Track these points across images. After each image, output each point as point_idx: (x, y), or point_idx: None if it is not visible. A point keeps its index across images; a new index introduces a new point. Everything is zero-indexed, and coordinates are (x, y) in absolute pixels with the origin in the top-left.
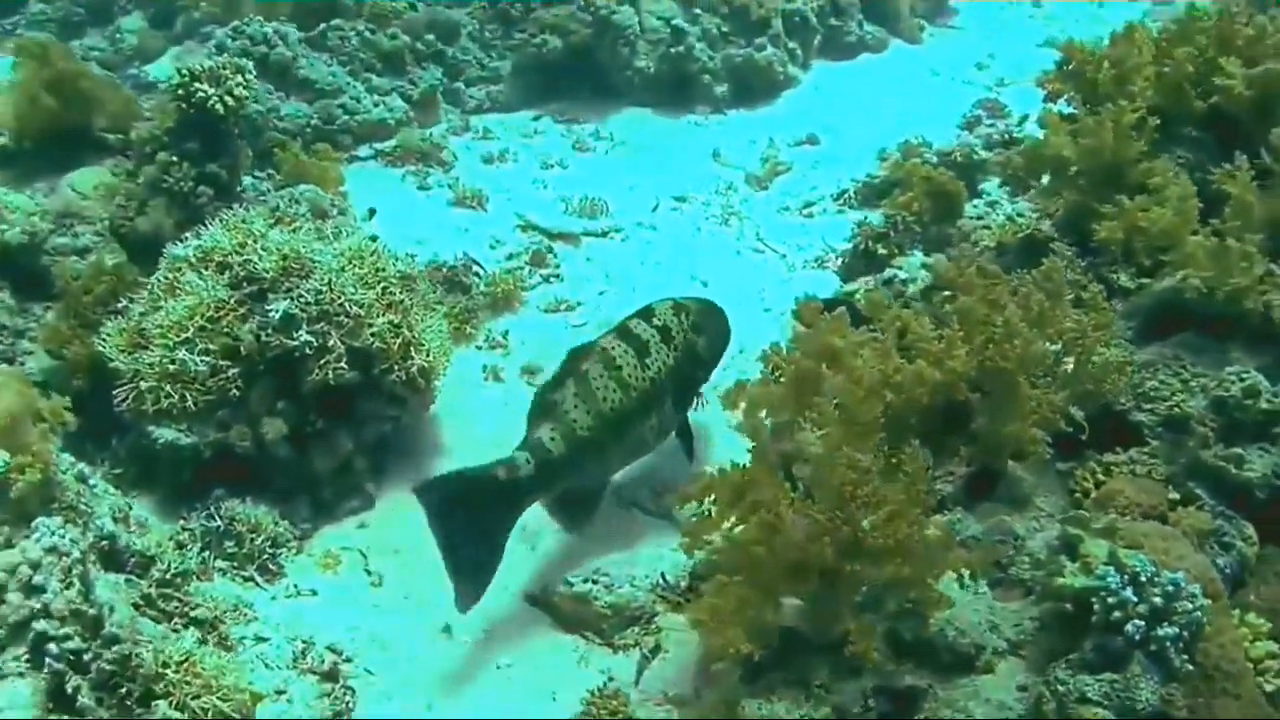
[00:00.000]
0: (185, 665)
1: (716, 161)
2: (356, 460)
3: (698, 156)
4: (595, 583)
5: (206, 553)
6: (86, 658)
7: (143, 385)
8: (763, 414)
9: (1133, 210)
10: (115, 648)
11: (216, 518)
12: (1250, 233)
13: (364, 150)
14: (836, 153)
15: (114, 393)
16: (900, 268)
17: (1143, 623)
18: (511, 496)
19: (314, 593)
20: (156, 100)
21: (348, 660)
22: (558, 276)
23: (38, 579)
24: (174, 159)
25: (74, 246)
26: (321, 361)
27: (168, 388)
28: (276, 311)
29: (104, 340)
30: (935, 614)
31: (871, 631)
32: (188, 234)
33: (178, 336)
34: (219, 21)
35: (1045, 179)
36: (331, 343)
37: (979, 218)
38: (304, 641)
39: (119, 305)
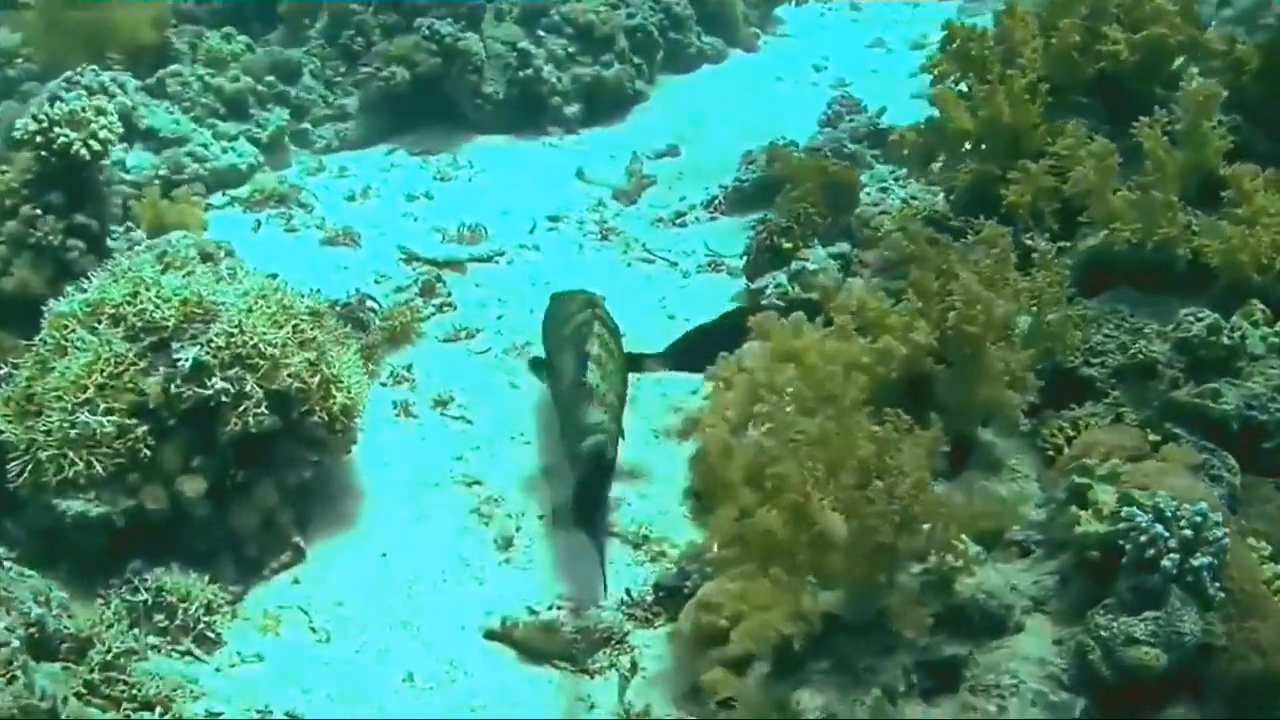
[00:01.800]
0: None
1: (582, 180)
2: (281, 512)
3: (561, 176)
4: (560, 608)
5: (135, 629)
6: None
7: (41, 455)
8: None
9: (1037, 174)
10: None
11: (141, 590)
12: (1168, 184)
13: (217, 198)
14: (698, 162)
15: (7, 467)
16: (806, 260)
17: (1177, 556)
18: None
19: (259, 658)
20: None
21: None
22: (451, 305)
23: None
24: (37, 212)
25: None
26: (240, 409)
27: (71, 454)
28: (185, 360)
29: None
30: (963, 579)
31: (917, 603)
32: (69, 289)
33: (76, 398)
34: (40, 77)
35: (941, 158)
36: (249, 387)
37: (874, 204)
38: (260, 712)
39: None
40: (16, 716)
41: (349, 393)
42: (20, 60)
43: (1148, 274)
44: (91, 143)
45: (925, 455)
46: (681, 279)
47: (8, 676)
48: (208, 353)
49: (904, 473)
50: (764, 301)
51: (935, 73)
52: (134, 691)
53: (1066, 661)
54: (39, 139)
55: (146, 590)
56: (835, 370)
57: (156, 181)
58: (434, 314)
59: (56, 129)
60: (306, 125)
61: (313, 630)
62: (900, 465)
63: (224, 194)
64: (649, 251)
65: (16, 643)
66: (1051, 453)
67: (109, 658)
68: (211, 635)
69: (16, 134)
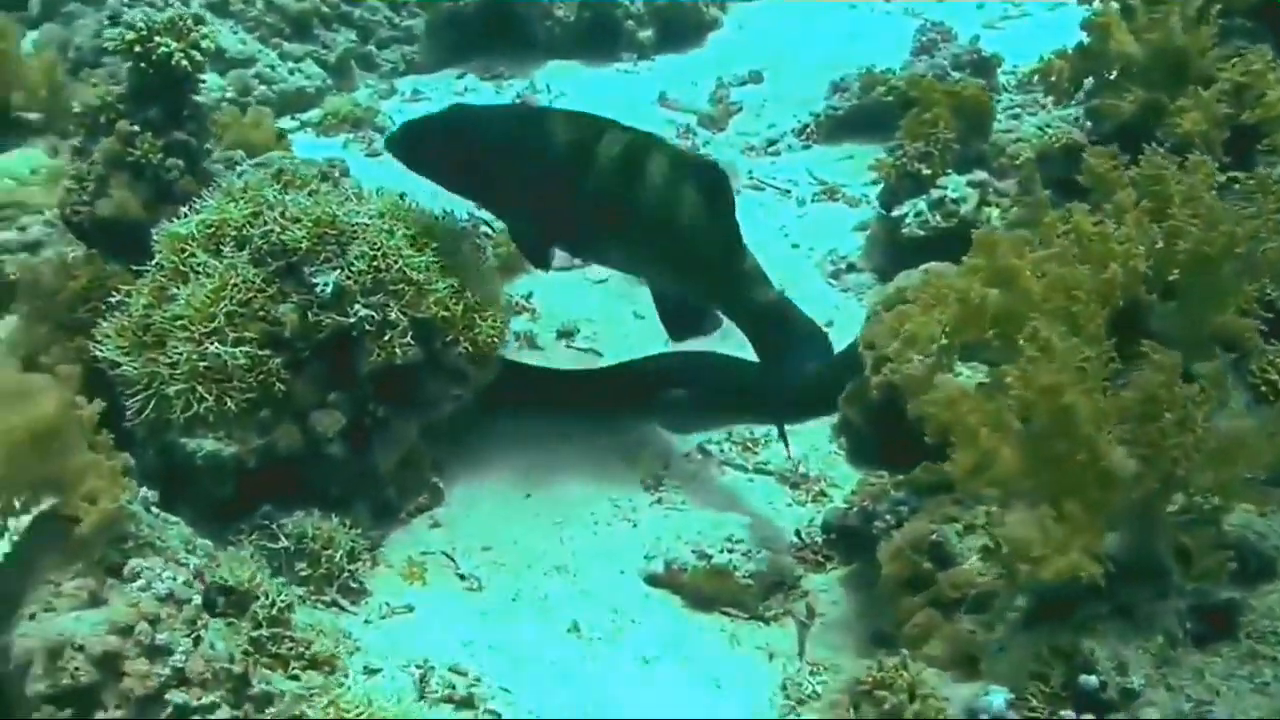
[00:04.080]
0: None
1: (664, 105)
2: (420, 451)
3: (642, 102)
4: (732, 551)
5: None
6: None
7: (170, 390)
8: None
9: (1210, 100)
10: (269, 710)
11: (281, 537)
12: None
13: (285, 122)
14: (782, 89)
15: (126, 402)
16: (945, 188)
17: None
18: None
19: (410, 609)
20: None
21: (478, 680)
22: None
23: (161, 637)
24: (135, 128)
25: (22, 241)
26: (384, 339)
27: (200, 389)
28: (325, 285)
29: (101, 343)
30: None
31: (1216, 545)
32: (184, 210)
33: (204, 327)
34: None
35: (1088, 83)
36: (393, 315)
37: (1007, 131)
38: (420, 667)
39: (108, 301)
40: (209, 681)
41: (493, 322)
42: None
43: None
44: (193, 53)
45: (1204, 390)
46: (797, 207)
47: (193, 637)
48: (348, 277)
49: (1196, 403)
50: (904, 231)
51: None
52: (301, 649)
53: None
54: (137, 49)
55: (287, 536)
56: (1081, 295)
57: (225, 103)
58: None
59: (157, 38)
60: (371, 48)
61: (461, 578)
62: (1190, 395)
63: (292, 118)
64: (757, 178)
65: (198, 599)
66: (1264, 388)
67: (274, 612)
68: (356, 585)
69: (110, 43)
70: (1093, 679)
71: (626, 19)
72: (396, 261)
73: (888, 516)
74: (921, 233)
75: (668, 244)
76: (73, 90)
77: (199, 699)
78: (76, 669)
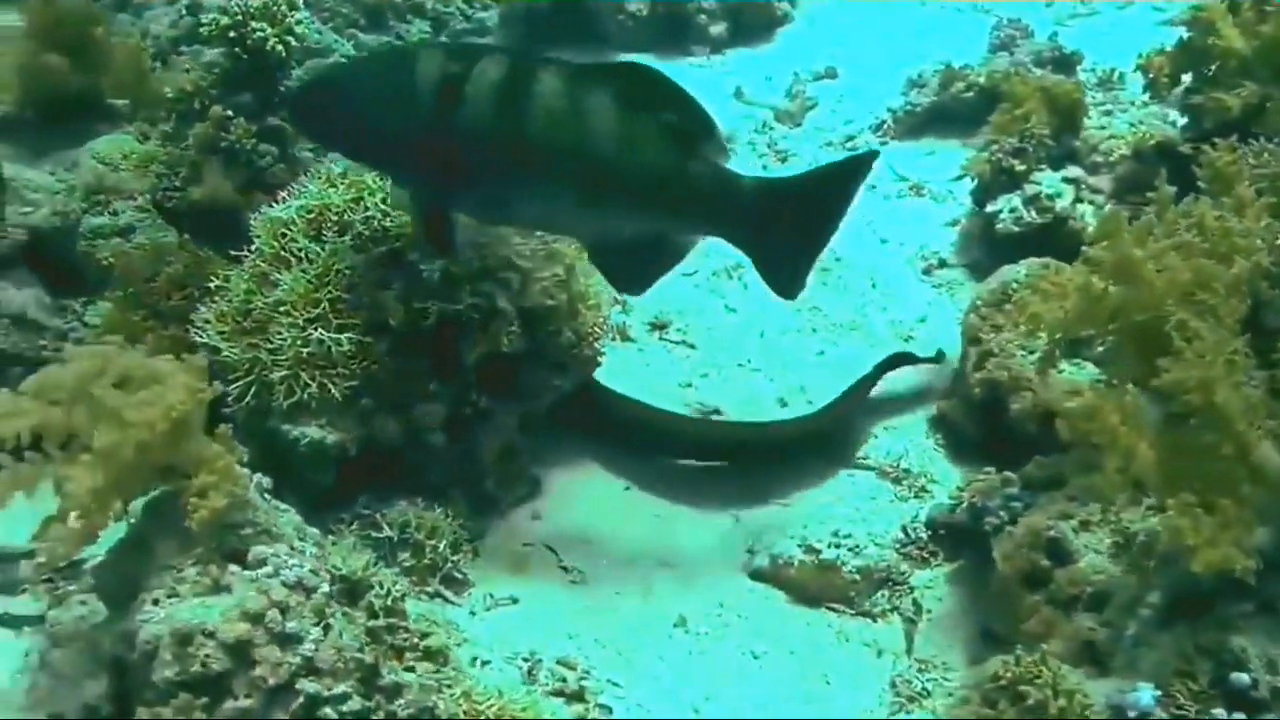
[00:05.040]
0: (500, 710)
1: (740, 100)
2: (519, 442)
3: (716, 96)
4: (839, 546)
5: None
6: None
7: (274, 376)
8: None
9: None
10: (399, 701)
11: (384, 526)
12: None
13: None
14: (858, 85)
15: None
16: (1040, 184)
17: None
18: None
19: (513, 601)
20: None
21: (587, 674)
22: None
23: (291, 625)
24: (229, 114)
25: (115, 226)
26: (490, 327)
27: (304, 375)
28: (433, 271)
29: (201, 328)
30: None
31: None
32: (282, 196)
33: (308, 313)
34: None
35: (1187, 78)
36: (500, 303)
37: (1101, 128)
38: (527, 659)
39: (204, 287)
40: (340, 671)
41: (596, 312)
42: None
43: None
44: (287, 39)
45: None
46: (883, 202)
47: (323, 625)
48: (455, 264)
49: None
50: (999, 227)
51: None
52: (415, 640)
53: None
54: (231, 34)
55: (389, 525)
56: (1219, 289)
57: None
58: None
59: (252, 23)
60: (444, 39)
61: (564, 570)
62: None
63: None
64: None
65: (326, 587)
66: None
67: (389, 603)
68: (458, 576)
69: (204, 29)
70: (1244, 676)
71: (698, 14)
72: (503, 249)
73: (1000, 513)
74: (1017, 228)
75: (582, 170)
76: (159, 77)
77: (330, 688)
78: (207, 656)
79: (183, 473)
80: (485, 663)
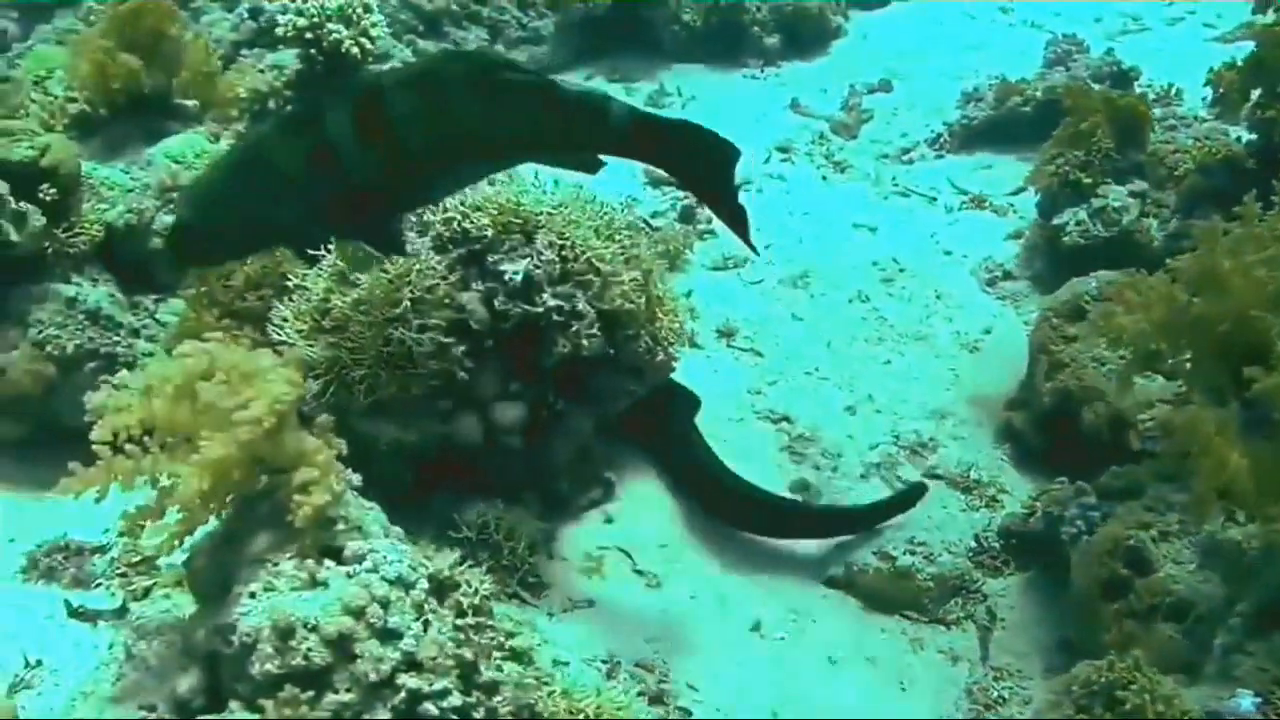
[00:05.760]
0: (598, 709)
1: (796, 111)
2: (594, 445)
3: (772, 107)
4: (914, 554)
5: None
6: (478, 716)
7: (355, 374)
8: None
9: None
10: (498, 698)
11: (463, 526)
12: None
13: None
14: (912, 98)
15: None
16: (1106, 197)
17: None
18: None
19: (590, 603)
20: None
21: (666, 677)
22: (712, 233)
23: (392, 620)
24: None
25: None
26: (571, 330)
27: (384, 374)
28: (515, 274)
29: (279, 327)
30: None
31: None
32: None
33: (388, 313)
34: None
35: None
36: (581, 306)
37: (1165, 142)
38: (605, 661)
39: (278, 286)
40: (440, 667)
41: (673, 316)
42: None
43: None
44: (363, 41)
45: None
46: (945, 214)
47: (422, 621)
48: (536, 266)
49: None
50: (1065, 240)
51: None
52: (501, 639)
53: None
54: (308, 35)
55: (468, 526)
56: None
57: None
58: (695, 241)
59: (329, 25)
60: (500, 47)
61: (639, 573)
62: None
63: None
64: (899, 184)
65: (425, 583)
66: None
67: (476, 601)
68: (535, 577)
69: (280, 30)
70: None
71: (753, 25)
72: (584, 252)
73: (1078, 522)
74: (1083, 241)
75: (474, 148)
76: (227, 78)
77: (431, 684)
78: (309, 650)
79: (279, 467)
80: (564, 664)
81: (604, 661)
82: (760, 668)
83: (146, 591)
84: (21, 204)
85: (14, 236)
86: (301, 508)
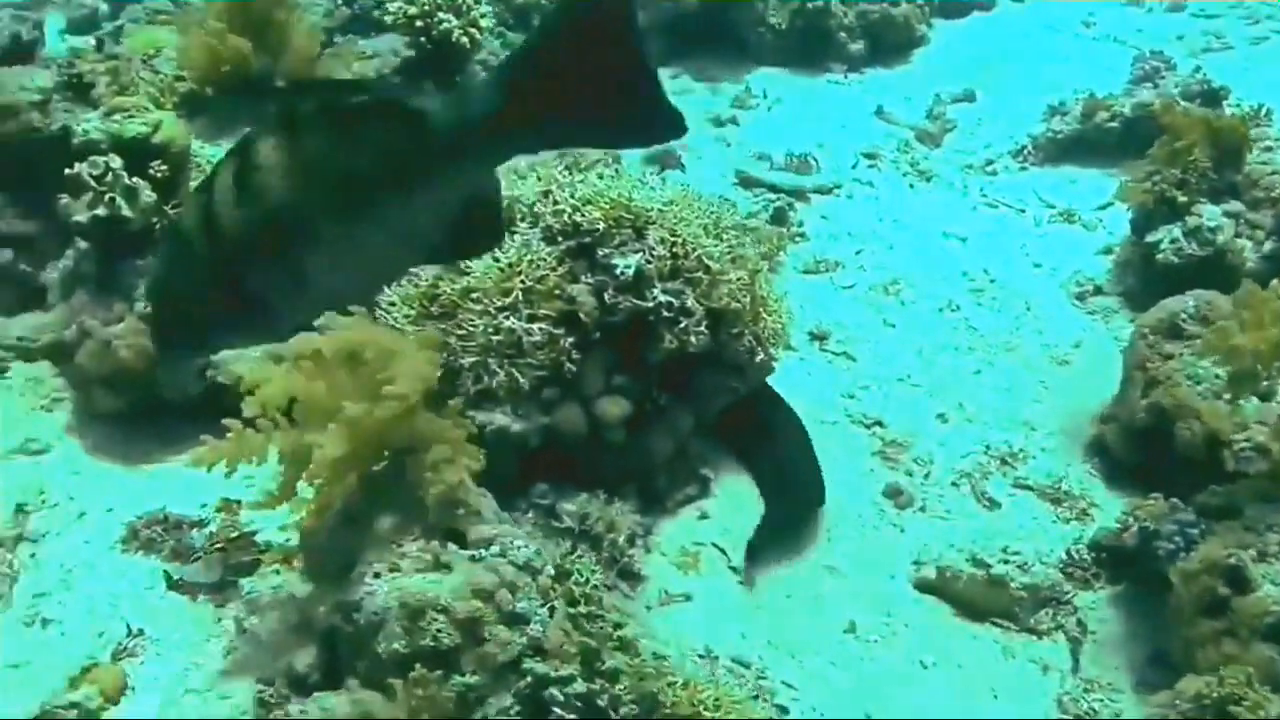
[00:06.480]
0: (717, 701)
1: (881, 119)
2: (692, 442)
3: (857, 114)
4: (1008, 563)
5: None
6: (601, 704)
7: (464, 362)
8: None
9: None
10: (619, 686)
11: (564, 517)
12: None
13: None
14: (997, 109)
15: None
16: (1201, 216)
17: None
18: None
19: (687, 598)
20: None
21: (763, 674)
22: (803, 236)
23: (520, 605)
24: None
25: None
26: (680, 326)
27: (493, 363)
28: (627, 268)
29: (387, 310)
30: None
31: None
32: None
33: (499, 301)
34: None
35: None
36: (689, 303)
37: (1263, 164)
38: (704, 656)
39: None
40: (566, 654)
41: (776, 317)
42: None
43: None
44: (471, 30)
45: None
46: (1035, 227)
47: (549, 607)
48: (648, 260)
49: None
50: (1159, 257)
51: None
52: (610, 629)
53: None
54: (418, 24)
55: (569, 517)
56: None
57: None
58: (789, 243)
59: (439, 14)
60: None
61: (733, 570)
62: None
63: None
64: (988, 195)
65: (551, 569)
66: None
67: (589, 589)
68: (634, 570)
69: (390, 17)
70: None
71: (839, 30)
72: (695, 249)
73: (1175, 539)
74: (1176, 260)
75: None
76: (326, 64)
77: (556, 670)
78: (439, 631)
79: (405, 448)
80: (663, 657)
81: (701, 656)
82: (854, 668)
83: (251, 568)
84: (134, 179)
85: (126, 211)
86: (435, 485)
